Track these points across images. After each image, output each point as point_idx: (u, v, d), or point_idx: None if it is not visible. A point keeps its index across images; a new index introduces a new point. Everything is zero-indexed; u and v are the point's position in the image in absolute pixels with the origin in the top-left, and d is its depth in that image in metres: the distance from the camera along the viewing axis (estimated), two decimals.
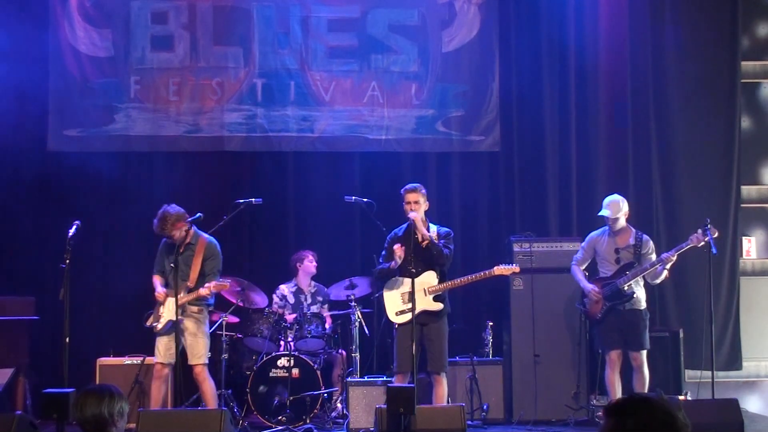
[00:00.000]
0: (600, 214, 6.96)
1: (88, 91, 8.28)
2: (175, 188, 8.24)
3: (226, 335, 7.20)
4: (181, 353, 6.57)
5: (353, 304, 7.33)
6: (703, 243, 6.56)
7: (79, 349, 7.04)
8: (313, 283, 7.89)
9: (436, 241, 6.43)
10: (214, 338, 7.20)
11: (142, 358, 6.97)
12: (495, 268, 6.57)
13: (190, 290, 6.44)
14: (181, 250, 6.54)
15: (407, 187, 6.59)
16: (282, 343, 7.28)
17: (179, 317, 6.42)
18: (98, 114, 8.29)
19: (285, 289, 7.84)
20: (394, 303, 6.52)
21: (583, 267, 7.11)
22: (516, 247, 7.62)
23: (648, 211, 8.40)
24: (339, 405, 7.31)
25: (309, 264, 7.80)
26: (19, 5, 8.19)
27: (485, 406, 7.23)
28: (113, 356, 7.27)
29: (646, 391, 6.68)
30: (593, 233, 7.12)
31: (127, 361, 7.15)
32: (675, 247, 6.77)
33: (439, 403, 6.40)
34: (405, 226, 6.59)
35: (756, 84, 8.80)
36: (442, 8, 8.54)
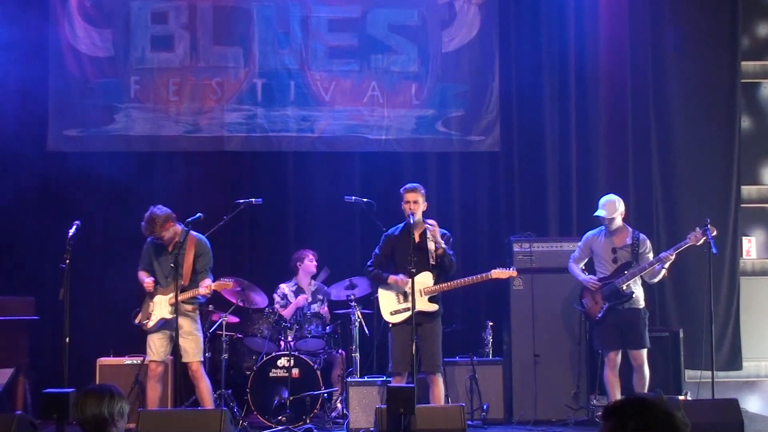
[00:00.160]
0: (596, 214, 6.96)
1: (88, 91, 8.29)
2: (175, 188, 8.25)
3: (226, 335, 7.20)
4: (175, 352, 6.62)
5: (353, 304, 7.33)
6: (701, 242, 6.56)
7: (79, 349, 7.05)
8: (313, 281, 7.89)
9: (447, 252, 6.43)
10: (214, 338, 7.22)
11: (142, 358, 6.96)
12: (492, 271, 6.55)
13: (183, 289, 6.44)
14: (170, 250, 6.56)
15: (407, 186, 6.59)
16: (282, 343, 7.28)
17: (173, 315, 6.43)
18: (98, 114, 8.29)
19: (285, 288, 7.85)
20: (389, 302, 6.52)
21: (580, 266, 7.11)
22: (516, 247, 7.62)
23: (648, 211, 8.41)
24: (339, 405, 7.31)
25: (309, 263, 7.81)
26: (19, 5, 8.18)
27: (485, 406, 7.23)
28: (113, 356, 7.28)
29: (646, 390, 6.69)
30: (590, 233, 7.12)
31: (127, 361, 7.15)
32: (673, 246, 6.78)
33: (436, 402, 6.41)
34: (402, 225, 6.60)
35: (756, 84, 8.80)
36: (442, 8, 8.54)
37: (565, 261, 7.20)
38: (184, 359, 6.41)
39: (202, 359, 6.58)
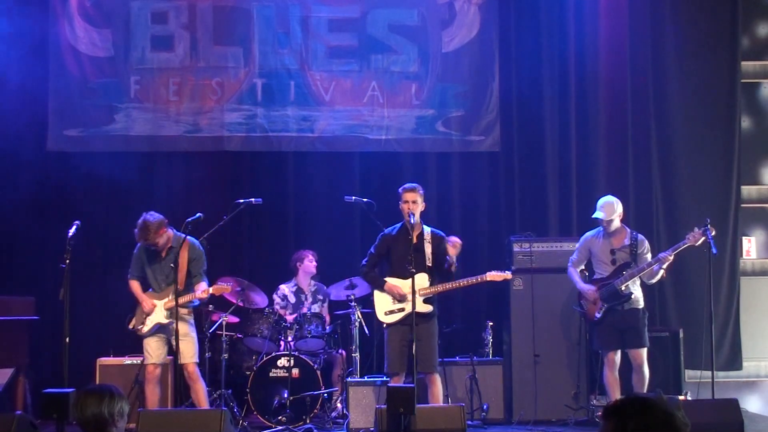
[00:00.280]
0: (594, 216, 6.95)
1: (88, 91, 8.29)
2: (175, 188, 8.26)
3: (226, 335, 7.20)
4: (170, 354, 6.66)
5: (353, 304, 7.33)
6: (700, 242, 6.56)
7: (79, 349, 7.05)
8: (313, 282, 7.90)
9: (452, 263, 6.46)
10: (214, 338, 7.22)
11: (142, 359, 6.95)
12: (487, 273, 6.53)
13: (178, 293, 6.45)
14: (164, 255, 6.59)
15: (406, 186, 6.59)
16: (282, 343, 7.28)
17: (169, 320, 6.50)
18: (98, 114, 8.29)
19: (285, 289, 7.85)
20: (384, 303, 6.53)
21: (580, 268, 7.11)
22: (516, 247, 7.63)
23: (648, 211, 8.41)
24: (339, 405, 7.31)
25: (309, 264, 7.81)
26: (19, 5, 8.18)
27: (485, 406, 7.23)
28: (113, 356, 7.28)
29: (645, 390, 6.69)
30: (588, 234, 7.12)
31: (127, 361, 7.15)
32: (672, 247, 6.78)
33: (435, 402, 6.41)
34: (399, 225, 6.60)
35: (756, 84, 8.80)
36: (442, 8, 8.54)
37: (565, 261, 7.19)
38: (180, 361, 6.43)
39: (198, 360, 6.58)
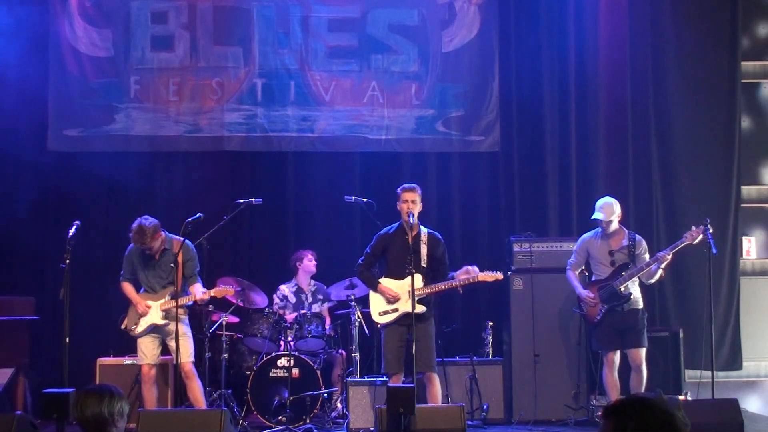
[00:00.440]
0: (594, 217, 6.94)
1: (88, 91, 8.29)
2: (175, 188, 8.27)
3: (226, 335, 7.20)
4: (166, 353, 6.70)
5: (353, 304, 7.33)
6: (698, 240, 6.57)
7: (79, 349, 7.05)
8: (313, 282, 7.90)
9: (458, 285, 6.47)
10: (214, 338, 7.22)
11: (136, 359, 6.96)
12: (479, 274, 6.50)
13: (174, 294, 6.46)
14: (156, 258, 6.61)
15: (405, 186, 6.59)
16: (282, 343, 7.28)
17: (165, 321, 6.55)
18: (98, 114, 8.29)
19: (285, 289, 7.85)
20: (378, 303, 6.53)
21: (578, 271, 7.10)
22: (516, 247, 7.62)
23: (648, 211, 8.41)
24: (339, 405, 7.31)
25: (308, 263, 7.81)
26: (19, 5, 8.18)
27: (485, 406, 7.23)
28: (113, 356, 7.28)
29: (643, 390, 6.69)
30: (585, 235, 7.11)
31: (127, 361, 7.15)
32: (670, 246, 6.78)
33: (434, 401, 6.41)
34: (396, 225, 6.60)
35: (756, 84, 8.79)
36: (442, 8, 8.54)
37: (564, 261, 7.19)
38: (178, 359, 6.43)
39: (194, 359, 6.59)
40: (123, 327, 6.69)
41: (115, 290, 7.70)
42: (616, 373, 6.83)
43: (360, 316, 7.32)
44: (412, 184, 6.62)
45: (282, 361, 7.09)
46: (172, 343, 6.50)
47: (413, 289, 6.18)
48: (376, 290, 6.54)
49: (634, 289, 6.84)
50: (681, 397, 6.99)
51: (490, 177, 8.57)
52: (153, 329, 6.60)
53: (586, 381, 7.40)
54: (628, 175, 8.42)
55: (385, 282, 6.53)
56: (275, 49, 8.43)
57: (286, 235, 8.39)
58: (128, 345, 7.09)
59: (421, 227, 6.58)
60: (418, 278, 6.40)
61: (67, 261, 6.12)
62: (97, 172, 8.13)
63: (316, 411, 7.02)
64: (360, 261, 6.67)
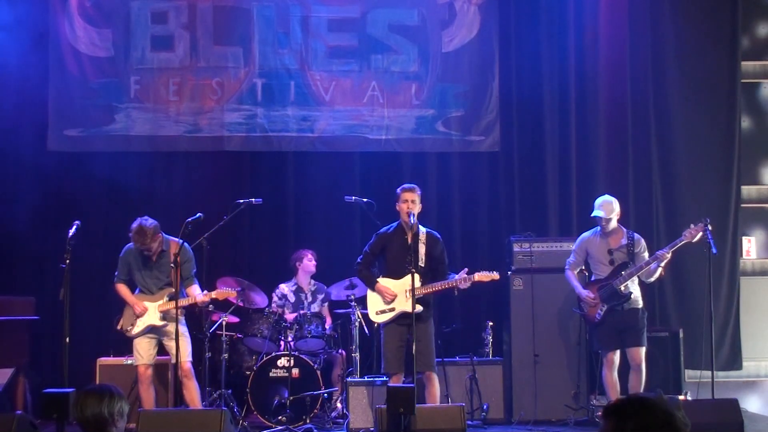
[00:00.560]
0: (594, 215, 6.94)
1: (88, 91, 8.29)
2: (175, 188, 8.27)
3: (226, 335, 7.20)
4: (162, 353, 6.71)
5: (353, 304, 7.33)
6: (697, 238, 6.57)
7: (79, 349, 7.05)
8: (312, 281, 7.90)
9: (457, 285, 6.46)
10: (214, 338, 7.22)
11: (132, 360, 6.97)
12: (476, 274, 6.49)
13: (172, 295, 6.47)
14: (154, 259, 6.61)
15: (405, 186, 6.60)
16: (282, 343, 7.28)
17: (163, 322, 6.56)
18: (98, 114, 8.29)
19: (285, 288, 7.85)
20: (376, 302, 6.54)
21: (577, 270, 7.10)
22: (516, 247, 7.62)
23: (648, 211, 8.41)
24: (339, 405, 7.31)
25: (308, 263, 7.81)
26: (19, 6, 8.18)
27: (485, 406, 7.23)
28: (113, 356, 7.28)
29: (642, 389, 6.69)
30: (584, 235, 7.11)
31: (127, 361, 7.13)
32: (669, 244, 6.79)
33: (432, 401, 6.41)
34: (395, 225, 6.61)
35: (756, 84, 8.79)
36: (442, 8, 8.54)
37: (564, 261, 7.18)
38: (175, 360, 6.44)
39: (191, 359, 6.60)
40: (119, 328, 6.69)
41: (115, 290, 7.72)
42: (615, 373, 6.83)
43: (360, 316, 7.32)
44: (412, 185, 6.63)
45: (282, 361, 7.09)
46: (168, 344, 6.53)
47: (413, 289, 6.18)
48: (373, 289, 6.54)
49: (634, 288, 6.84)
50: (681, 397, 6.98)
51: (490, 177, 8.57)
52: (150, 330, 6.61)
53: (586, 381, 7.40)
54: (628, 175, 8.42)
55: (383, 281, 6.54)
56: (275, 49, 8.43)
57: (286, 235, 8.39)
58: (128, 345, 7.08)
59: (420, 227, 6.58)
60: (416, 278, 6.40)
61: (67, 261, 6.12)
62: (97, 172, 8.13)
63: (316, 411, 7.02)
64: (359, 260, 6.68)
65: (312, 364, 7.10)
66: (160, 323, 6.57)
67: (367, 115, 8.45)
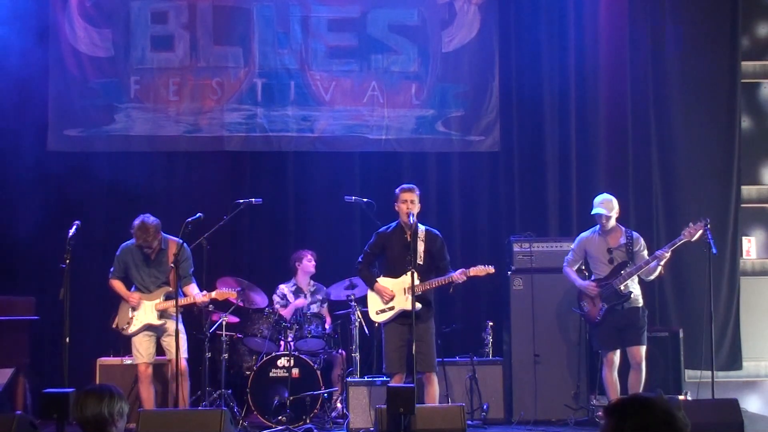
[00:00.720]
0: (594, 212, 6.94)
1: (88, 91, 8.29)
2: (175, 188, 8.27)
3: (226, 335, 7.20)
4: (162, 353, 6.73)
5: (353, 304, 7.33)
6: (696, 237, 6.57)
7: (79, 349, 7.05)
8: (312, 282, 7.90)
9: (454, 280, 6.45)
10: (214, 338, 7.22)
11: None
12: (471, 269, 6.50)
13: (169, 294, 6.47)
14: (152, 257, 6.62)
15: (404, 186, 6.61)
16: (282, 343, 7.28)
17: (161, 320, 6.58)
18: (98, 114, 8.29)
19: (285, 288, 7.85)
20: (375, 302, 6.54)
21: (575, 268, 7.10)
22: (516, 247, 7.62)
23: (648, 211, 8.41)
24: (339, 405, 7.32)
25: (308, 263, 7.81)
26: (19, 5, 8.17)
27: (485, 406, 7.23)
28: (113, 356, 7.28)
29: (641, 389, 6.69)
30: (583, 234, 7.11)
31: (127, 361, 7.14)
32: (668, 243, 6.79)
33: (432, 401, 6.40)
34: (394, 224, 6.62)
35: (756, 84, 8.79)
36: (442, 8, 8.54)
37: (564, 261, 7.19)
38: (175, 357, 6.44)
39: (187, 356, 6.62)
40: (114, 326, 6.70)
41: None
42: (615, 373, 6.82)
43: (360, 316, 7.32)
44: (410, 185, 6.64)
45: (282, 361, 7.09)
46: (165, 340, 6.57)
47: (413, 287, 6.18)
48: (373, 289, 6.55)
49: (634, 287, 6.84)
50: (681, 397, 6.98)
51: (490, 177, 8.57)
52: (148, 328, 6.61)
53: (586, 381, 7.40)
54: (628, 175, 8.42)
55: (382, 281, 6.54)
56: (275, 49, 8.43)
57: (286, 235, 8.39)
58: (128, 345, 7.09)
59: (420, 225, 6.58)
60: (414, 275, 6.40)
61: (67, 261, 6.13)
62: (97, 172, 8.13)
63: (316, 411, 7.02)
64: (360, 259, 6.69)
65: (312, 364, 7.10)
66: (158, 322, 6.59)
67: (367, 115, 8.45)
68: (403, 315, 6.39)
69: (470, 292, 8.09)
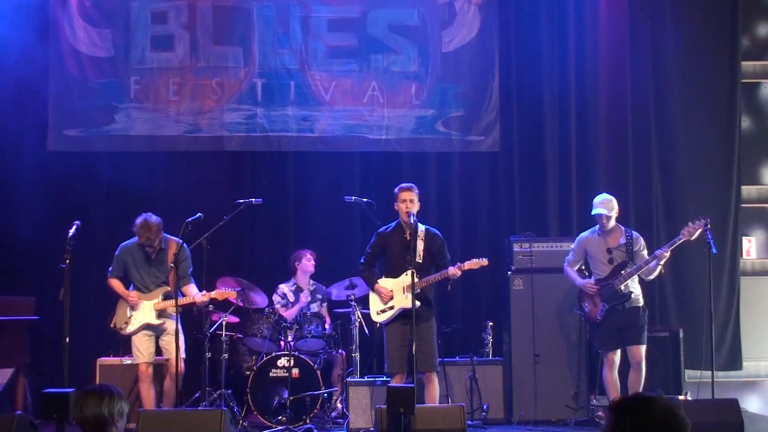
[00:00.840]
0: (594, 212, 6.94)
1: (88, 91, 8.29)
2: (175, 188, 8.27)
3: (226, 335, 7.20)
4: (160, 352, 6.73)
5: (353, 304, 7.33)
6: (695, 236, 6.57)
7: (79, 349, 7.05)
8: (311, 281, 7.90)
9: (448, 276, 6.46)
10: (214, 338, 7.22)
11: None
12: (465, 263, 6.48)
13: (168, 295, 6.47)
14: (153, 257, 6.63)
15: (403, 185, 6.62)
16: (282, 343, 7.28)
17: (160, 320, 6.60)
18: (98, 114, 8.30)
19: (285, 288, 7.85)
20: (375, 303, 6.55)
21: (576, 268, 7.10)
22: (516, 247, 7.63)
23: (648, 211, 8.41)
24: (339, 405, 7.32)
25: (307, 263, 7.81)
26: (19, 5, 8.17)
27: (485, 406, 7.23)
28: (113, 356, 7.28)
29: (641, 388, 6.69)
30: (582, 234, 7.12)
31: (127, 361, 7.14)
32: (668, 243, 6.79)
33: (432, 401, 6.40)
34: (394, 224, 6.63)
35: (756, 84, 8.79)
36: (442, 8, 8.54)
37: (564, 261, 7.19)
38: (174, 357, 6.44)
39: (185, 356, 6.64)
40: (112, 326, 6.70)
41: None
42: (616, 373, 6.83)
43: (360, 316, 7.32)
44: (409, 184, 6.65)
45: (282, 361, 7.09)
46: (164, 340, 6.58)
47: (413, 286, 6.18)
48: (373, 290, 6.55)
49: (635, 287, 6.84)
50: (681, 397, 6.98)
51: (490, 177, 8.57)
52: (146, 328, 6.62)
53: (586, 381, 7.40)
54: (628, 175, 8.42)
55: (382, 281, 6.55)
56: (275, 49, 8.43)
57: (286, 235, 8.39)
58: (128, 345, 7.09)
59: (419, 224, 6.58)
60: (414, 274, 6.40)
61: (67, 261, 6.13)
62: (97, 172, 8.13)
63: (316, 411, 7.02)
64: (361, 260, 6.70)
65: (312, 364, 7.10)
66: (157, 321, 6.60)
67: (367, 115, 8.45)
68: (403, 315, 6.39)
69: (470, 292, 8.10)
